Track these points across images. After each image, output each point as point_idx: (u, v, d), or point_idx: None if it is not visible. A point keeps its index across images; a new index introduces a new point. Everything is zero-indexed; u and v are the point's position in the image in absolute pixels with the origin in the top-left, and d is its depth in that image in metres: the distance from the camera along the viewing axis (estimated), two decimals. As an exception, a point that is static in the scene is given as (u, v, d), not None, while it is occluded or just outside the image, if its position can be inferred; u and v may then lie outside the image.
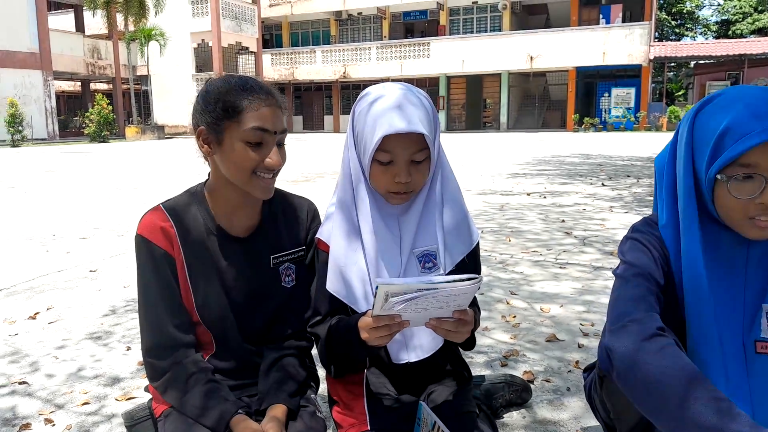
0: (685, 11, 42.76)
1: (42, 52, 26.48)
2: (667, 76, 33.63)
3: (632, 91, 27.89)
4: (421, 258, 1.33)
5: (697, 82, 30.07)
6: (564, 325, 2.56)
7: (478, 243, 1.41)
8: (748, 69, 26.61)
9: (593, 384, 1.31)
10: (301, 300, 1.45)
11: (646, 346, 0.99)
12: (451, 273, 1.33)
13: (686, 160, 1.10)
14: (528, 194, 6.94)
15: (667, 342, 0.99)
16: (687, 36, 43.88)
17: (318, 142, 21.90)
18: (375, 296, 1.07)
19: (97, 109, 25.18)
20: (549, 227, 4.85)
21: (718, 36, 40.14)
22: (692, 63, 32.92)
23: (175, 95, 31.28)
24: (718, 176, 1.04)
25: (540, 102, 32.98)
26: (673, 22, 42.69)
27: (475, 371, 2.04)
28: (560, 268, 3.53)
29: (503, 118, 31.08)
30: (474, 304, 1.40)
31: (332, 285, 1.34)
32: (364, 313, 1.21)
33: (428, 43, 31.58)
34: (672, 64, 36.84)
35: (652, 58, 26.85)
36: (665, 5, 41.26)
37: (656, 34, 32.74)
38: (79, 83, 35.17)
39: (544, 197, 6.66)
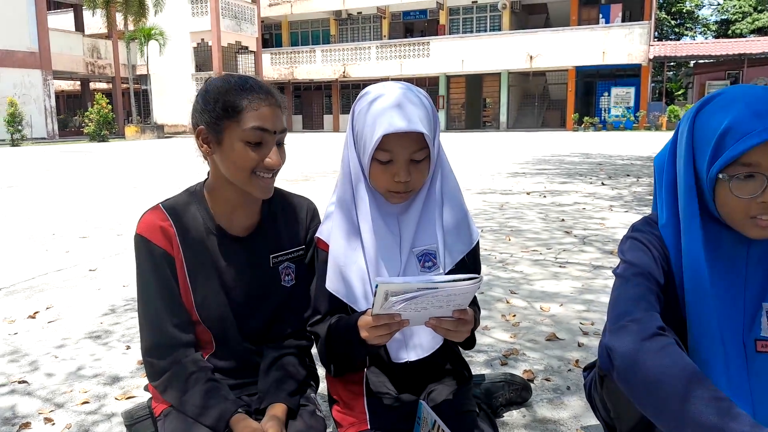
0: (684, 11, 42.77)
1: (41, 51, 26.46)
2: (667, 75, 33.63)
3: (632, 90, 27.90)
4: (420, 257, 1.33)
5: (696, 81, 30.09)
6: (564, 324, 2.56)
7: (478, 242, 1.41)
8: (747, 68, 26.63)
9: (593, 383, 1.31)
10: (300, 299, 1.45)
11: (647, 346, 0.98)
12: (450, 272, 1.33)
13: (687, 159, 1.10)
14: (528, 193, 6.94)
15: (668, 341, 0.99)
16: (686, 35, 43.89)
17: (317, 142, 21.90)
18: (375, 295, 1.07)
19: (97, 109, 25.17)
20: (549, 226, 4.85)
21: (718, 35, 40.15)
22: (692, 62, 32.94)
23: (175, 95, 31.28)
24: (720, 175, 1.04)
25: (540, 101, 32.98)
26: (672, 22, 42.70)
27: (475, 370, 2.04)
28: (560, 267, 3.53)
29: (503, 118, 31.08)
30: (474, 303, 1.40)
31: (332, 284, 1.33)
32: (363, 312, 1.21)
33: (428, 42, 31.57)
34: (671, 64, 36.86)
35: (651, 57, 26.85)
36: (665, 5, 41.27)
37: (656, 33, 32.76)
38: (78, 83, 35.18)
39: (544, 196, 6.66)
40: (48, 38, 26.71)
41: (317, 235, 1.42)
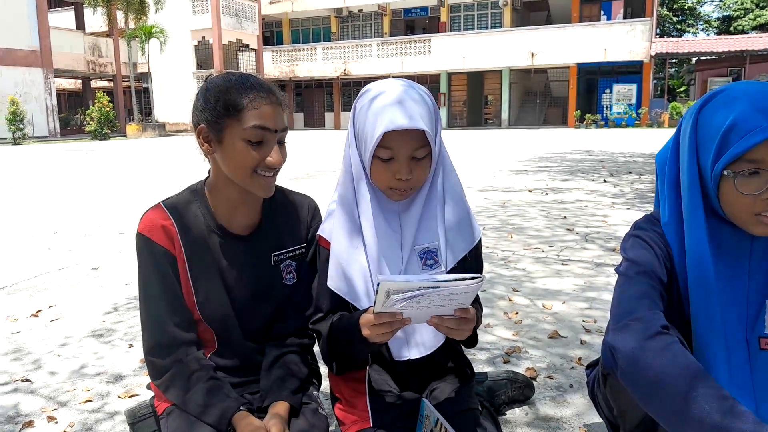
0: (686, 7, 42.66)
1: (42, 49, 26.48)
2: (669, 72, 33.58)
3: (633, 87, 27.83)
4: (422, 255, 1.32)
5: (698, 78, 30.02)
6: (566, 321, 2.56)
7: (480, 240, 1.41)
8: (749, 65, 26.55)
9: (596, 381, 1.31)
10: (302, 297, 1.45)
11: (650, 345, 0.98)
12: (453, 270, 1.33)
13: (690, 155, 1.10)
14: (530, 191, 6.93)
15: (671, 340, 0.99)
16: (688, 32, 43.77)
17: (319, 140, 21.89)
18: (376, 293, 1.07)
19: (98, 107, 25.19)
20: (551, 224, 4.85)
21: (720, 32, 40.04)
22: (694, 59, 32.83)
23: (176, 93, 31.29)
24: (725, 172, 1.04)
25: (541, 98, 32.92)
26: (674, 18, 42.59)
27: (478, 368, 2.03)
28: (562, 264, 3.53)
29: (504, 115, 31.04)
30: (476, 301, 1.40)
31: (333, 282, 1.33)
32: (365, 310, 1.21)
33: (429, 39, 31.52)
34: (673, 61, 36.79)
35: (653, 54, 26.78)
36: (666, 1, 41.14)
37: (657, 30, 32.70)
38: (79, 81, 35.20)
39: (546, 194, 6.66)
40: (49, 36, 26.72)
41: (319, 233, 1.41)
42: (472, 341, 1.40)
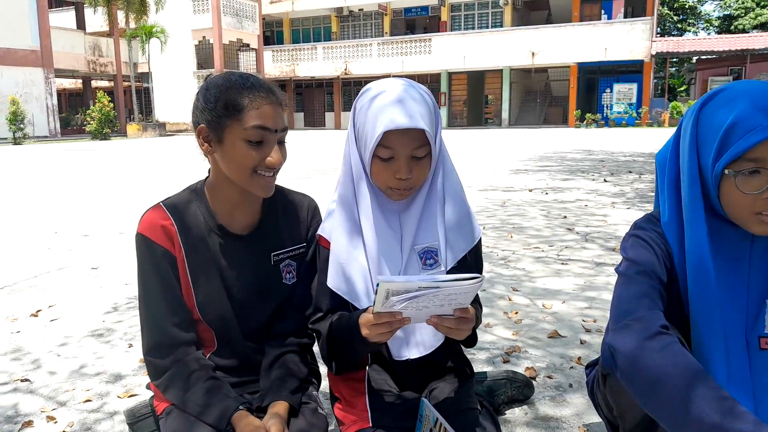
0: (687, 6, 42.64)
1: (43, 49, 26.49)
2: (669, 71, 33.57)
3: (634, 86, 27.82)
4: (422, 255, 1.32)
5: (699, 77, 29.98)
6: (566, 321, 2.56)
7: (480, 240, 1.40)
8: (750, 64, 26.52)
9: (596, 381, 1.31)
10: (302, 297, 1.45)
11: (650, 345, 0.98)
12: (452, 270, 1.33)
13: (691, 155, 1.10)
14: (530, 190, 6.93)
15: (671, 340, 0.98)
16: (689, 31, 43.75)
17: (319, 139, 21.89)
18: (376, 293, 1.06)
19: (99, 107, 25.20)
20: (551, 223, 4.84)
21: (721, 31, 40.03)
22: (694, 58, 32.80)
23: (177, 92, 31.29)
24: (726, 171, 1.04)
25: (542, 98, 32.90)
26: (675, 18, 42.56)
27: (477, 368, 2.03)
28: (562, 264, 3.53)
29: (505, 115, 31.03)
30: (476, 301, 1.39)
31: (333, 281, 1.33)
32: (365, 310, 1.21)
33: (429, 39, 31.51)
34: (674, 60, 36.77)
35: (653, 53, 26.77)
36: (667, 0, 41.13)
37: (658, 29, 32.69)
38: (80, 81, 35.21)
39: (546, 193, 6.65)
40: (49, 36, 26.73)
41: (319, 232, 1.41)
42: (472, 341, 1.40)
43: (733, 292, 1.11)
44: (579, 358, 2.15)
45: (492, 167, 9.91)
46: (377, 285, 1.04)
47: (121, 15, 27.94)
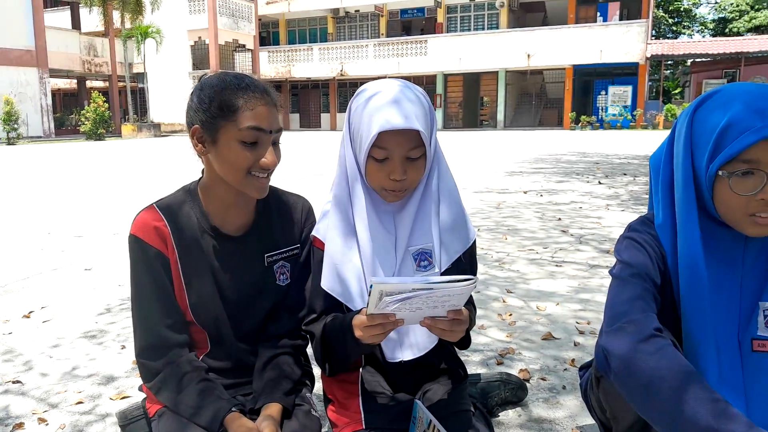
0: (682, 9, 42.84)
1: (38, 49, 26.39)
2: (664, 74, 33.67)
3: (629, 89, 27.92)
4: (416, 256, 1.32)
5: (693, 80, 30.11)
6: (560, 323, 2.56)
7: (474, 241, 1.40)
8: (744, 67, 26.67)
9: (589, 383, 1.31)
10: (295, 298, 1.44)
11: (643, 348, 0.98)
12: (447, 271, 1.33)
13: (685, 156, 1.10)
14: (525, 192, 6.94)
15: (664, 343, 0.99)
16: (684, 34, 43.96)
17: (314, 141, 21.88)
18: (369, 295, 1.06)
19: (93, 107, 25.12)
20: (545, 225, 4.85)
21: (715, 34, 40.20)
22: (689, 61, 32.98)
23: (172, 93, 31.22)
24: (720, 172, 1.04)
25: (537, 100, 33.00)
26: (670, 20, 42.75)
27: (471, 369, 2.03)
28: (556, 266, 3.53)
29: (500, 116, 31.09)
30: (469, 303, 1.39)
31: (327, 283, 1.33)
32: (358, 311, 1.21)
33: (425, 40, 31.55)
34: (669, 62, 36.89)
35: (649, 56, 26.87)
36: (662, 3, 41.30)
37: (653, 32, 32.80)
38: (75, 81, 35.10)
39: (541, 195, 6.66)
40: (44, 36, 26.65)
41: (313, 233, 1.41)
42: (466, 342, 1.39)
43: (726, 293, 1.11)
44: (573, 360, 2.15)
45: (487, 169, 9.93)
46: (371, 286, 1.04)
47: (116, 15, 27.89)
